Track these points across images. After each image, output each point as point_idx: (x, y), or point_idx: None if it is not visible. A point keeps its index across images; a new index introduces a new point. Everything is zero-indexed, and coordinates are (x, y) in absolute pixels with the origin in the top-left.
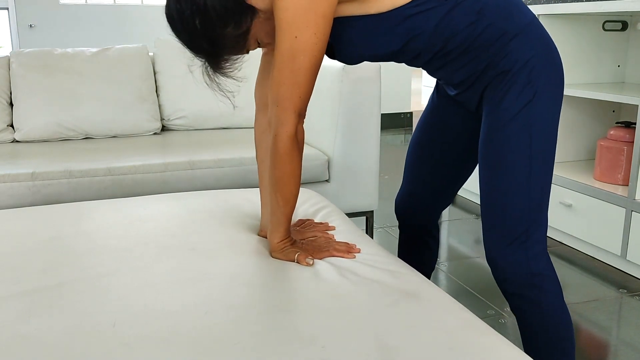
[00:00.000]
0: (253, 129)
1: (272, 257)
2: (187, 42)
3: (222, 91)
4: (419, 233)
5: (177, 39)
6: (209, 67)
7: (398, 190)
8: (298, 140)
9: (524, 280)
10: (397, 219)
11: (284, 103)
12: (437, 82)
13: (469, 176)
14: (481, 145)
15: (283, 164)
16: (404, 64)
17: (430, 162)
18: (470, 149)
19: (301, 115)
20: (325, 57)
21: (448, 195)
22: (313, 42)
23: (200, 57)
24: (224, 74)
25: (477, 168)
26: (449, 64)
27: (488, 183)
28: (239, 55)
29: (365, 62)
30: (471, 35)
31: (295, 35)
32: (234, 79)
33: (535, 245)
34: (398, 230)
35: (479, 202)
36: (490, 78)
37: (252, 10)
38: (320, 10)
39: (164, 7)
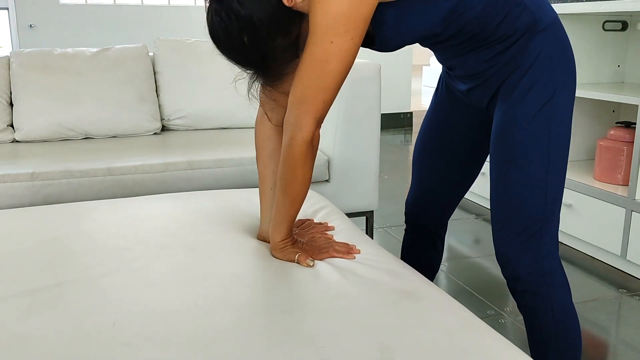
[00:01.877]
0: (253, 129)
1: (272, 255)
2: (236, 59)
3: (262, 104)
4: (428, 234)
5: (224, 57)
6: (258, 80)
7: (408, 192)
8: (313, 145)
9: (536, 278)
10: (406, 221)
11: (306, 107)
12: (440, 80)
13: (479, 173)
14: (496, 142)
15: (295, 168)
16: (427, 47)
17: (439, 162)
18: (477, 145)
19: (320, 120)
20: None
21: (458, 193)
22: (348, 46)
23: (249, 70)
24: (274, 87)
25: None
26: (477, 51)
27: (503, 179)
28: (292, 64)
29: (361, 60)
30: (509, 21)
31: (331, 40)
32: (285, 93)
33: (549, 242)
34: (398, 231)
35: (478, 202)
36: (510, 71)
37: (300, 17)
38: (362, 14)
39: (207, 26)
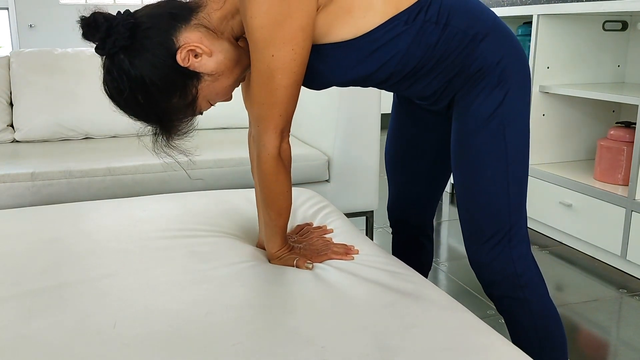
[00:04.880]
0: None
1: (271, 263)
2: (134, 117)
3: (174, 158)
4: (414, 235)
5: (123, 114)
6: (161, 136)
7: (388, 196)
8: (283, 158)
9: (511, 282)
10: (390, 224)
11: (265, 124)
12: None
13: (451, 173)
14: (454, 150)
15: (269, 184)
16: (371, 87)
17: (409, 169)
18: (445, 148)
19: (284, 132)
20: None
21: (435, 193)
22: (291, 58)
23: (151, 126)
24: (174, 145)
25: None
26: (419, 80)
27: (465, 188)
28: (191, 118)
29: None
30: (441, 49)
31: (272, 54)
32: (185, 152)
33: (518, 245)
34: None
35: None
36: (462, 82)
37: (197, 77)
38: (297, 23)
39: (102, 84)
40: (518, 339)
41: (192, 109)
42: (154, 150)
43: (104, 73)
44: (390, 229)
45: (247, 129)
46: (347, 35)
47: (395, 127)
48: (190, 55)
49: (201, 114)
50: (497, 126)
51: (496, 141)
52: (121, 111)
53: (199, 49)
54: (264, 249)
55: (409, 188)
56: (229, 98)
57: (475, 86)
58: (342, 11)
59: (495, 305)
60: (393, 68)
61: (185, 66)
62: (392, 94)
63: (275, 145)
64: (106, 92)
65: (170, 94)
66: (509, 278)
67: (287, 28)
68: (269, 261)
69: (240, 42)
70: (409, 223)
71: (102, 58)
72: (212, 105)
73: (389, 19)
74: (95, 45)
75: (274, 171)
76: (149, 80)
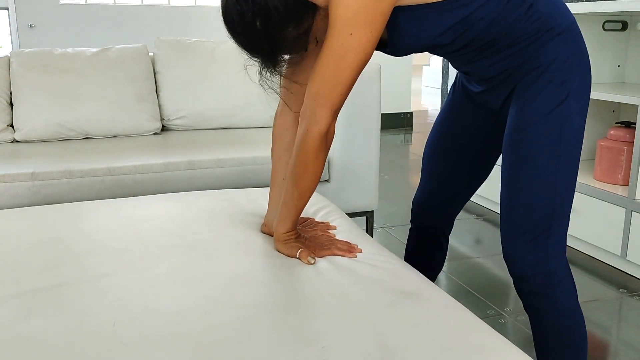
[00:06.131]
0: (256, 128)
1: (275, 248)
2: (246, 44)
3: (275, 91)
4: (434, 233)
5: (233, 40)
6: (265, 68)
7: (415, 191)
8: (328, 138)
9: (541, 279)
10: (413, 220)
11: (322, 100)
12: (456, 79)
13: (488, 175)
14: (507, 142)
15: (307, 160)
16: (441, 57)
17: (449, 162)
18: (488, 148)
19: (337, 113)
20: None
21: (466, 194)
22: (367, 40)
23: (256, 57)
24: (280, 75)
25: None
26: (490, 56)
27: (513, 178)
28: (297, 55)
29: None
30: (520, 28)
31: (350, 33)
32: (300, 84)
33: (555, 244)
34: (398, 231)
35: (479, 202)
36: (524, 73)
37: (314, 8)
38: (381, 9)
39: (221, 9)
40: (540, 337)
41: (303, 41)
42: (260, 83)
43: None
44: (392, 228)
45: (247, 129)
46: None
47: (443, 119)
48: None
49: (306, 50)
50: (555, 124)
51: (552, 139)
52: (233, 37)
53: None
54: (268, 232)
55: (441, 183)
56: None
57: (537, 80)
58: None
59: (522, 300)
60: (475, 34)
61: None
62: (390, 93)
63: (328, 123)
64: (224, 16)
65: (288, 23)
66: (539, 274)
67: (371, 12)
68: (274, 244)
69: None
70: (431, 219)
71: None
72: (316, 44)
73: None
74: None
75: (317, 148)
76: (272, 5)
